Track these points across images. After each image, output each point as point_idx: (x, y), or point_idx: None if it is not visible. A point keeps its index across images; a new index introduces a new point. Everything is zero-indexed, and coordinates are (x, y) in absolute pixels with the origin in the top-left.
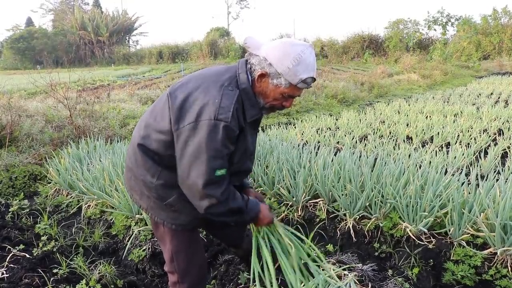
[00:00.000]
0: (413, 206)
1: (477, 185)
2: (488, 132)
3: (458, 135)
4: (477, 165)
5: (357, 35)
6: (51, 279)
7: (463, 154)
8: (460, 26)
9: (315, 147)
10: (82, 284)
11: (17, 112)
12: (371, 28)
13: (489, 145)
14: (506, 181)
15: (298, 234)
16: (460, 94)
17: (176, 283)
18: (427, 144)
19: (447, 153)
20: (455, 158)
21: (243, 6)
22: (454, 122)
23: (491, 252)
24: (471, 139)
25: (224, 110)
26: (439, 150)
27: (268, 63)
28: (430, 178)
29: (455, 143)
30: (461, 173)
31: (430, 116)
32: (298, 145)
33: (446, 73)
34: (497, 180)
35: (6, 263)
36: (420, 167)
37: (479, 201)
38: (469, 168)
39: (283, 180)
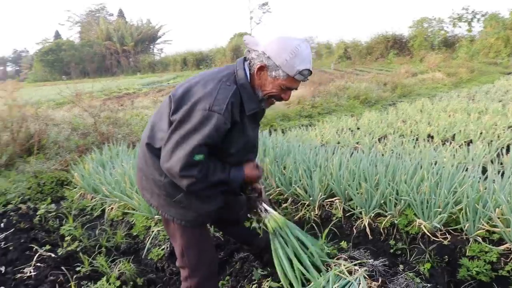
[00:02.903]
0: (427, 202)
1: (494, 181)
2: None
3: (481, 133)
4: (498, 162)
5: (381, 35)
6: (74, 276)
7: (484, 151)
8: (487, 22)
9: (331, 147)
10: (103, 281)
11: (44, 121)
12: (395, 27)
13: None
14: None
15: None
16: (486, 92)
17: (188, 278)
18: (448, 142)
19: (468, 151)
20: (475, 155)
21: (265, 11)
22: (478, 119)
23: (507, 248)
24: (494, 136)
25: (218, 102)
26: (460, 148)
27: (267, 57)
28: (445, 174)
29: (477, 141)
30: (478, 169)
31: (453, 115)
32: (315, 147)
33: (472, 70)
34: None
35: (34, 262)
36: (436, 164)
37: (494, 196)
38: (492, 163)
39: (300, 180)
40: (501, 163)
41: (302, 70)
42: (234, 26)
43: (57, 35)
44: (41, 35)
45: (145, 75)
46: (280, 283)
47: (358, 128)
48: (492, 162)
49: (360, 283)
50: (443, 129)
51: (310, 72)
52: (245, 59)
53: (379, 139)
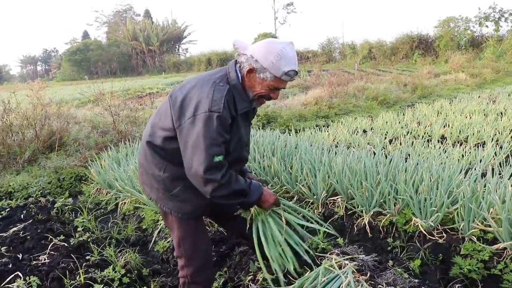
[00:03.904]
0: (425, 201)
1: (489, 181)
2: None
3: (495, 134)
4: (508, 164)
5: (406, 35)
6: (83, 264)
7: (495, 153)
8: None
9: (339, 147)
10: (109, 270)
11: (66, 119)
12: (420, 27)
13: None
14: (510, 177)
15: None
16: (510, 93)
17: (184, 267)
18: (459, 144)
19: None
20: (483, 157)
21: (289, 11)
22: (495, 121)
23: (501, 247)
24: (508, 138)
25: (216, 102)
26: (472, 150)
27: (255, 60)
28: (444, 175)
29: (490, 143)
30: (479, 171)
31: (470, 116)
32: (322, 148)
33: (498, 71)
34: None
35: (48, 250)
36: (440, 165)
37: (489, 197)
38: (501, 166)
39: (305, 179)
40: (510, 166)
41: (288, 71)
42: (258, 26)
43: (86, 35)
44: (70, 35)
45: (170, 74)
46: (275, 275)
47: (372, 129)
48: (500, 164)
49: (347, 277)
50: (456, 131)
51: (296, 73)
52: (236, 62)
53: (390, 140)
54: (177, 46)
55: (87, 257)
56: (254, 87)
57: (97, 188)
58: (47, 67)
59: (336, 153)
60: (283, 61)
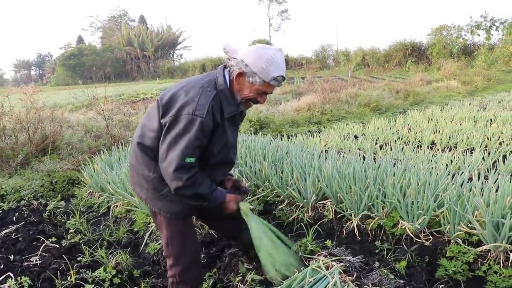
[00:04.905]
0: (412, 205)
1: (475, 185)
2: None
3: (484, 140)
4: (494, 170)
5: (399, 43)
6: (75, 265)
7: (483, 158)
8: (507, 29)
9: (329, 152)
10: (100, 270)
11: (59, 123)
12: (414, 35)
13: None
14: (495, 181)
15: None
16: (499, 100)
17: (172, 266)
18: (449, 150)
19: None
20: (471, 162)
21: (284, 18)
22: (484, 127)
23: (484, 249)
24: (496, 144)
25: (201, 107)
26: (462, 155)
27: (245, 64)
28: (431, 179)
29: (479, 149)
30: (465, 175)
31: (460, 123)
32: (313, 152)
33: (489, 79)
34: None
35: (40, 252)
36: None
37: (474, 200)
38: (488, 172)
39: (295, 183)
40: (496, 171)
41: (277, 77)
42: (253, 33)
43: (80, 40)
44: (64, 40)
45: (164, 80)
46: (263, 275)
47: (364, 135)
48: (488, 170)
49: (334, 277)
50: (446, 137)
51: (284, 78)
52: (225, 67)
53: (380, 146)
54: (171, 52)
55: (79, 258)
56: (243, 91)
57: (90, 192)
58: (41, 72)
59: (326, 157)
60: (273, 67)
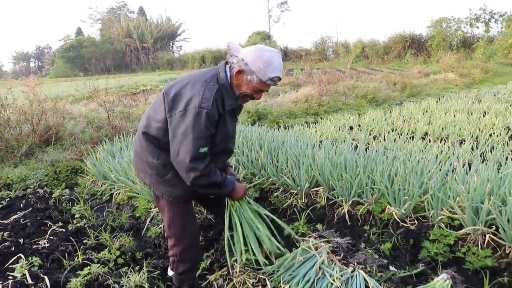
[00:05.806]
0: (399, 191)
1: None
2: (511, 129)
3: (476, 131)
4: (482, 160)
5: (399, 35)
6: (81, 247)
7: (472, 149)
8: (506, 22)
9: (323, 142)
10: (105, 252)
11: (62, 115)
12: (413, 27)
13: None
14: (477, 170)
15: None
16: (495, 93)
17: (173, 246)
18: (441, 141)
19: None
20: (460, 152)
21: (283, 10)
22: (477, 119)
23: (465, 232)
24: (487, 136)
25: (206, 100)
26: (452, 146)
27: (245, 63)
28: (418, 168)
29: (470, 140)
30: (451, 164)
31: (454, 115)
32: (308, 142)
33: (487, 71)
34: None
35: (47, 235)
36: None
37: (454, 187)
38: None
39: (289, 171)
40: (483, 160)
41: (273, 77)
42: (252, 24)
43: (79, 32)
44: (63, 32)
45: (163, 72)
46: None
47: (359, 126)
48: (476, 159)
49: (322, 256)
50: (439, 128)
51: (279, 79)
52: (226, 63)
53: (374, 137)
54: (171, 44)
55: (84, 241)
56: (241, 87)
57: (93, 180)
58: (40, 64)
59: (316, 146)
60: (270, 68)
